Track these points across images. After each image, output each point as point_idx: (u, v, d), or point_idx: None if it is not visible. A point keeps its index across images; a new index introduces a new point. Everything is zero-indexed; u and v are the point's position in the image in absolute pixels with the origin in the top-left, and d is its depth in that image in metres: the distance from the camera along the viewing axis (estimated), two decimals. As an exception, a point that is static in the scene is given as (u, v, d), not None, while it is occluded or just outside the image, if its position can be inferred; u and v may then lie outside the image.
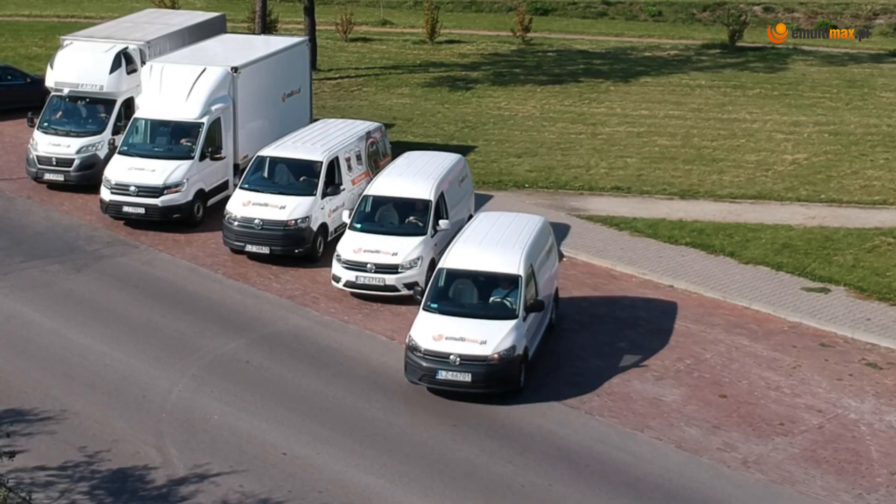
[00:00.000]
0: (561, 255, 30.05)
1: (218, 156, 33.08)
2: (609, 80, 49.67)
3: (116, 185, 32.09)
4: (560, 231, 31.64)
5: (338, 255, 28.48)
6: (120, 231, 32.12)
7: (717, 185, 36.50)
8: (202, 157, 32.56)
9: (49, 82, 36.28)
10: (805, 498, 21.15)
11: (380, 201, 29.45)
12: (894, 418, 23.74)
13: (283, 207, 30.07)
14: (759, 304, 28.50)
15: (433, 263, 27.30)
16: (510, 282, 24.65)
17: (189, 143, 32.74)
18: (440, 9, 59.74)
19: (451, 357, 23.47)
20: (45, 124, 35.39)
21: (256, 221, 30.00)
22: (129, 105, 35.65)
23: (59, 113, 35.78)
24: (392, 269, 28.05)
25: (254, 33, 47.73)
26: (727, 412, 23.79)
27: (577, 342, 26.64)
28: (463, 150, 37.21)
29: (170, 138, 33.15)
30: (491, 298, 24.72)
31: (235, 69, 34.00)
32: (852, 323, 27.56)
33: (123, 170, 32.26)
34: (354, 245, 28.42)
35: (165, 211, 31.95)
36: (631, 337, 26.95)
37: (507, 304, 24.47)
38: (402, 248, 28.26)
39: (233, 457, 21.69)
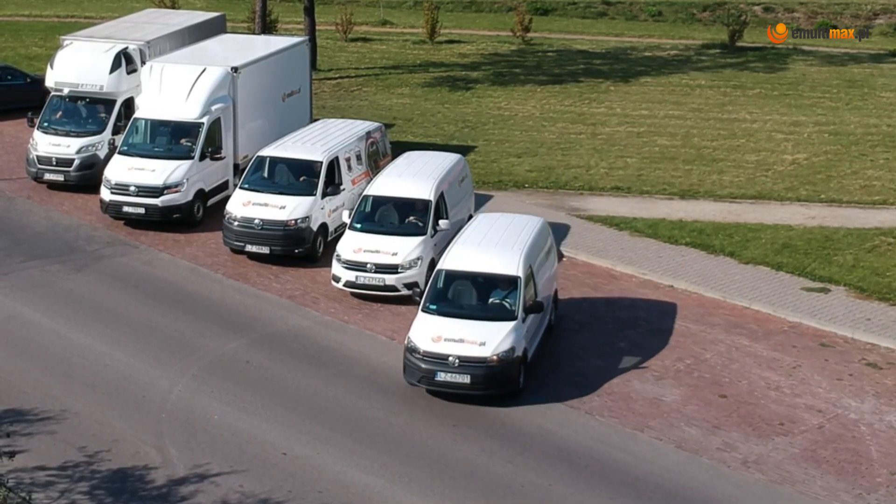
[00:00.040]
0: (561, 256, 30.05)
1: (218, 156, 33.07)
2: (609, 80, 49.64)
3: (116, 185, 32.10)
4: (560, 231, 31.64)
5: (338, 255, 28.47)
6: (120, 231, 32.11)
7: (717, 185, 36.49)
8: (202, 157, 32.56)
9: (49, 82, 36.26)
10: (805, 498, 21.14)
11: (380, 201, 29.44)
12: (894, 418, 23.74)
13: (283, 207, 30.07)
14: (759, 304, 28.50)
15: (433, 263, 27.27)
16: (509, 283, 24.60)
17: (189, 143, 32.73)
18: (440, 9, 59.71)
19: (450, 358, 23.42)
20: (45, 124, 35.37)
21: (256, 221, 30.00)
22: (129, 105, 35.64)
23: (59, 113, 35.77)
24: (392, 269, 28.05)
25: (254, 33, 47.69)
26: (727, 412, 23.78)
27: (577, 342, 26.63)
28: (463, 150, 37.20)
29: (170, 138, 33.15)
30: (490, 300, 24.68)
31: (235, 69, 34.00)
32: (852, 323, 27.56)
33: (123, 170, 32.27)
34: (354, 245, 28.41)
35: (165, 211, 31.95)
36: (631, 337, 26.94)
37: (507, 305, 24.42)
38: (402, 248, 28.25)
39: (233, 457, 21.69)
